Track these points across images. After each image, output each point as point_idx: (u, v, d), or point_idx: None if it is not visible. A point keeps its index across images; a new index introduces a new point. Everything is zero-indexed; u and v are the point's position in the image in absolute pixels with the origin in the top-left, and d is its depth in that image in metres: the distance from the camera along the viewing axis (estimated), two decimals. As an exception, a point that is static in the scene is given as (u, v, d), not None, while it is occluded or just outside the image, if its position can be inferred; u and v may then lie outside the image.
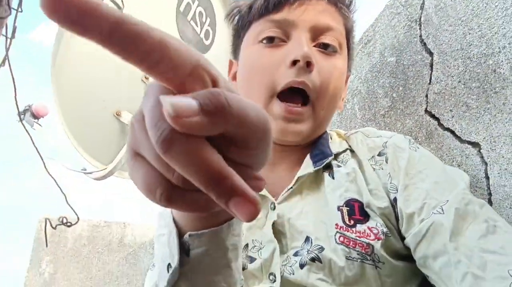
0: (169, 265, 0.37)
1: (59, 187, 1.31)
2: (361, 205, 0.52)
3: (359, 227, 0.50)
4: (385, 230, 0.50)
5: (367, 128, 0.63)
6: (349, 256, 0.48)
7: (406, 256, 0.50)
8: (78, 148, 1.27)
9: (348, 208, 0.52)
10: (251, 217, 0.19)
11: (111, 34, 0.18)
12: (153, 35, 0.19)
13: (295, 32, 0.56)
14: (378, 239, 0.49)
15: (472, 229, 0.44)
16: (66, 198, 1.34)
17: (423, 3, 0.74)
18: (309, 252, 0.50)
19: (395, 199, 0.51)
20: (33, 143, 1.25)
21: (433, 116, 0.69)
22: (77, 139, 1.27)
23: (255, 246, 0.53)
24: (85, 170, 1.41)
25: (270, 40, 0.57)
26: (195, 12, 1.46)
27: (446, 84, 0.66)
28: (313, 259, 0.49)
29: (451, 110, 0.65)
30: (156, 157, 0.21)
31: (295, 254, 0.51)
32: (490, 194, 0.57)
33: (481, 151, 0.59)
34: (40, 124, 1.74)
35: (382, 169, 0.55)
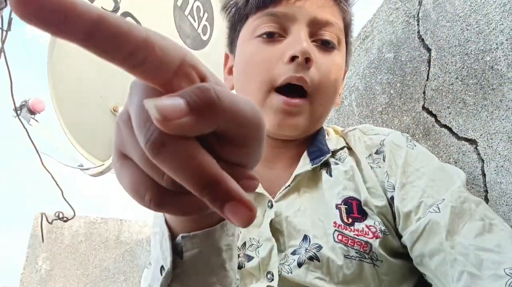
0: (162, 267, 0.36)
1: (55, 181, 1.30)
2: (359, 203, 0.52)
3: (357, 225, 0.50)
4: (383, 228, 0.50)
5: (364, 125, 0.62)
6: (348, 255, 0.48)
7: (403, 254, 0.50)
8: (75, 143, 1.27)
9: (346, 206, 0.52)
10: (247, 222, 0.19)
11: (91, 34, 0.17)
12: (136, 34, 0.18)
13: (293, 27, 0.55)
14: (376, 238, 0.49)
15: (468, 228, 0.44)
16: (62, 193, 1.33)
17: (421, -1, 0.73)
18: (307, 250, 0.49)
19: (392, 198, 0.51)
20: (30, 138, 1.24)
21: (430, 113, 0.68)
22: (74, 135, 1.26)
23: (252, 244, 0.52)
24: (81, 166, 1.40)
25: (270, 35, 0.56)
26: (192, 6, 1.46)
27: (443, 81, 0.66)
28: (311, 258, 0.49)
29: (448, 107, 0.65)
30: (144, 159, 0.20)
31: (293, 253, 0.50)
32: (486, 191, 0.57)
33: (477, 148, 0.59)
34: (36, 120, 1.73)
35: (380, 167, 0.55)
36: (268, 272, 0.50)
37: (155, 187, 0.21)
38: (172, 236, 0.35)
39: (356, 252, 0.48)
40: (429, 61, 0.70)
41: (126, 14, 1.29)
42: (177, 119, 0.17)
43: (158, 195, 0.21)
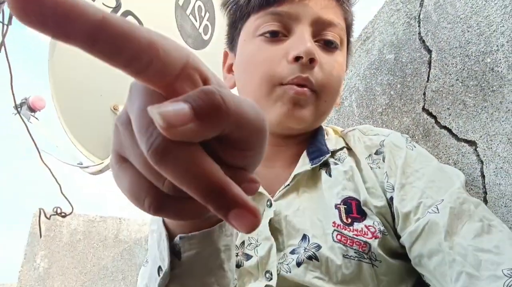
0: (159, 268, 0.36)
1: (53, 176, 1.30)
2: (358, 203, 0.52)
3: (357, 225, 0.50)
4: (382, 228, 0.50)
5: (364, 126, 0.62)
6: (346, 255, 0.48)
7: (402, 254, 0.50)
8: (74, 141, 1.27)
9: (345, 206, 0.52)
10: (252, 228, 0.18)
11: (95, 38, 0.16)
12: (140, 37, 0.17)
13: (297, 27, 0.55)
14: (376, 238, 0.49)
15: (467, 228, 0.44)
16: (60, 188, 1.33)
17: (422, 0, 0.73)
18: (306, 250, 0.49)
19: (391, 198, 0.51)
20: (30, 133, 1.24)
21: (430, 114, 0.69)
22: (74, 133, 1.26)
23: (251, 243, 0.52)
24: (81, 164, 1.40)
25: (273, 34, 0.56)
26: (194, 6, 1.46)
27: (444, 82, 0.66)
28: (310, 257, 0.49)
29: (448, 109, 0.65)
30: (144, 164, 0.20)
31: (292, 252, 0.50)
32: (485, 193, 0.57)
33: (477, 149, 0.59)
34: (36, 118, 1.73)
35: (379, 167, 0.55)
36: (267, 271, 0.50)
37: (154, 191, 0.21)
38: (170, 236, 0.35)
39: (355, 252, 0.48)
40: (429, 63, 0.70)
41: (127, 12, 1.30)
42: (182, 125, 0.17)
43: (158, 200, 0.21)
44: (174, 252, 0.35)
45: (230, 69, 0.66)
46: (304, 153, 0.58)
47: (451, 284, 0.42)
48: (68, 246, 2.26)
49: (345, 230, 0.50)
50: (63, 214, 1.41)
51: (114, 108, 1.35)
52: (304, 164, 0.57)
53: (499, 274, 0.39)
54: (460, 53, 0.63)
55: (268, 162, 0.60)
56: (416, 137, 0.71)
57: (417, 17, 0.74)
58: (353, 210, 0.51)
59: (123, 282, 2.15)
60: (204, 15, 1.51)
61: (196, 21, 1.48)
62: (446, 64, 0.66)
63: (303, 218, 0.52)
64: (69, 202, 1.39)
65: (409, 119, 0.73)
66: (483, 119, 0.58)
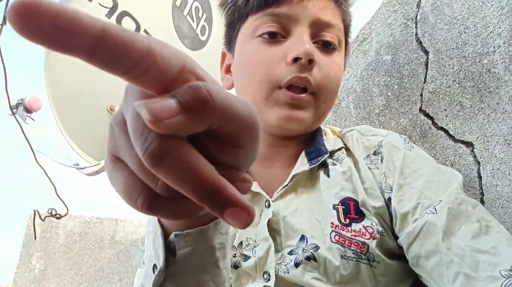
0: (154, 266, 0.36)
1: (48, 177, 1.30)
2: (356, 203, 0.52)
3: (355, 226, 0.50)
4: (380, 229, 0.50)
5: (362, 127, 0.62)
6: (345, 255, 0.48)
7: (400, 255, 0.50)
8: (71, 142, 1.26)
9: (343, 207, 0.52)
10: (246, 224, 0.19)
11: (95, 49, 0.16)
12: (139, 45, 0.17)
13: (295, 28, 0.55)
14: (374, 238, 0.49)
15: (465, 229, 0.44)
16: (55, 189, 1.33)
17: (419, 1, 0.74)
18: (304, 250, 0.49)
19: (389, 199, 0.51)
20: (24, 133, 1.23)
21: (427, 115, 0.69)
22: (70, 134, 1.26)
23: (249, 244, 0.52)
24: (77, 165, 1.40)
25: (272, 35, 0.56)
26: (191, 7, 1.46)
27: (441, 83, 0.66)
28: (308, 258, 0.49)
29: (445, 110, 0.65)
30: (138, 165, 0.20)
31: (290, 253, 0.50)
32: (482, 194, 0.57)
33: (474, 150, 0.59)
34: (33, 119, 1.72)
35: (377, 168, 0.55)
36: (265, 272, 0.49)
37: (147, 191, 0.21)
38: (165, 234, 0.35)
39: (353, 253, 0.48)
40: (426, 64, 0.70)
41: (124, 13, 1.29)
42: (168, 118, 0.17)
43: (151, 199, 0.21)
44: (169, 250, 0.35)
45: (228, 70, 0.66)
46: (303, 153, 0.58)
47: (449, 285, 0.42)
48: (64, 247, 2.25)
49: (343, 230, 0.50)
50: (58, 216, 1.41)
51: (110, 109, 1.35)
52: (302, 164, 0.57)
53: (496, 275, 0.39)
54: (457, 55, 0.64)
55: (267, 162, 0.60)
56: (413, 139, 0.71)
57: (414, 18, 0.75)
58: (351, 210, 0.51)
59: (119, 284, 2.14)
60: (202, 16, 1.50)
61: (193, 22, 1.48)
62: (443, 65, 0.66)
63: (301, 218, 0.52)
64: (64, 203, 1.39)
65: (406, 121, 0.73)
66: (480, 121, 0.58)
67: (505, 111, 0.54)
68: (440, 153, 0.65)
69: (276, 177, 0.57)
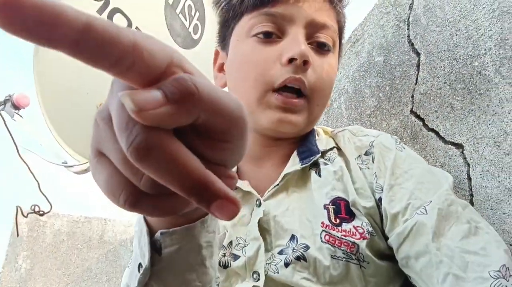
0: (140, 264, 0.36)
1: (32, 173, 1.28)
2: (347, 203, 0.52)
3: (345, 226, 0.50)
4: (370, 229, 0.50)
5: (354, 127, 0.63)
6: (334, 255, 0.48)
7: (390, 256, 0.50)
8: (59, 140, 1.24)
9: (334, 207, 0.52)
10: (233, 216, 0.19)
11: (78, 43, 0.16)
12: (124, 39, 0.17)
13: (291, 28, 0.55)
14: (364, 239, 0.49)
15: (454, 230, 0.44)
16: (39, 185, 1.30)
17: (412, 3, 0.74)
18: (294, 250, 0.49)
19: (380, 199, 0.51)
20: (8, 129, 1.21)
21: (418, 117, 0.69)
22: (59, 132, 1.24)
23: (239, 243, 0.52)
24: (66, 163, 1.38)
25: (267, 35, 0.56)
26: (184, 5, 1.44)
27: (432, 85, 0.67)
28: (298, 258, 0.48)
29: (436, 111, 0.65)
30: (122, 160, 0.20)
31: (280, 252, 0.50)
32: (471, 195, 0.57)
33: (464, 152, 0.59)
34: (20, 115, 1.69)
35: (369, 168, 0.55)
36: (254, 272, 0.49)
37: (130, 187, 0.21)
38: (151, 232, 0.35)
39: (343, 253, 0.48)
40: (418, 66, 0.70)
41: (115, 10, 1.28)
42: (153, 109, 0.17)
43: (134, 196, 0.21)
44: (155, 248, 0.34)
45: (221, 69, 0.65)
46: (295, 153, 0.58)
47: (438, 285, 0.43)
48: (51, 246, 2.21)
49: (334, 230, 0.49)
50: (41, 212, 1.38)
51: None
52: (294, 164, 0.56)
53: (485, 275, 0.39)
54: (448, 57, 0.64)
55: (258, 161, 0.59)
56: (404, 140, 0.71)
57: (406, 20, 0.75)
58: (341, 210, 0.51)
59: (107, 284, 2.12)
60: (194, 14, 1.50)
61: (186, 20, 1.47)
62: (434, 67, 0.67)
63: (292, 218, 0.52)
64: (47, 199, 1.37)
65: (397, 122, 0.74)
66: (470, 122, 0.59)
67: (495, 113, 0.55)
68: (430, 154, 0.65)
69: (268, 176, 0.57)
